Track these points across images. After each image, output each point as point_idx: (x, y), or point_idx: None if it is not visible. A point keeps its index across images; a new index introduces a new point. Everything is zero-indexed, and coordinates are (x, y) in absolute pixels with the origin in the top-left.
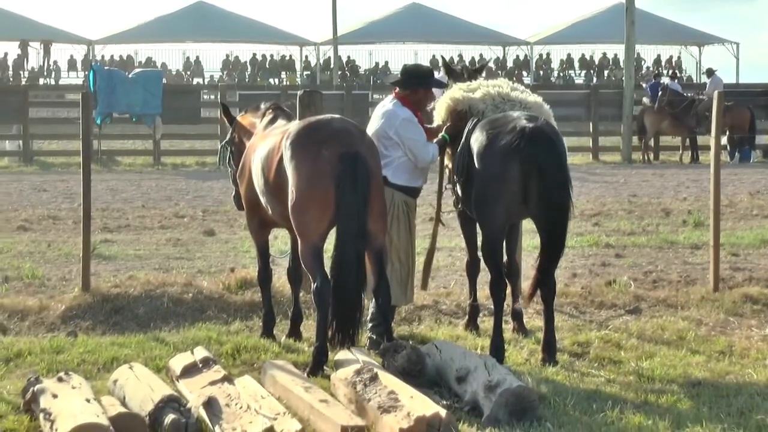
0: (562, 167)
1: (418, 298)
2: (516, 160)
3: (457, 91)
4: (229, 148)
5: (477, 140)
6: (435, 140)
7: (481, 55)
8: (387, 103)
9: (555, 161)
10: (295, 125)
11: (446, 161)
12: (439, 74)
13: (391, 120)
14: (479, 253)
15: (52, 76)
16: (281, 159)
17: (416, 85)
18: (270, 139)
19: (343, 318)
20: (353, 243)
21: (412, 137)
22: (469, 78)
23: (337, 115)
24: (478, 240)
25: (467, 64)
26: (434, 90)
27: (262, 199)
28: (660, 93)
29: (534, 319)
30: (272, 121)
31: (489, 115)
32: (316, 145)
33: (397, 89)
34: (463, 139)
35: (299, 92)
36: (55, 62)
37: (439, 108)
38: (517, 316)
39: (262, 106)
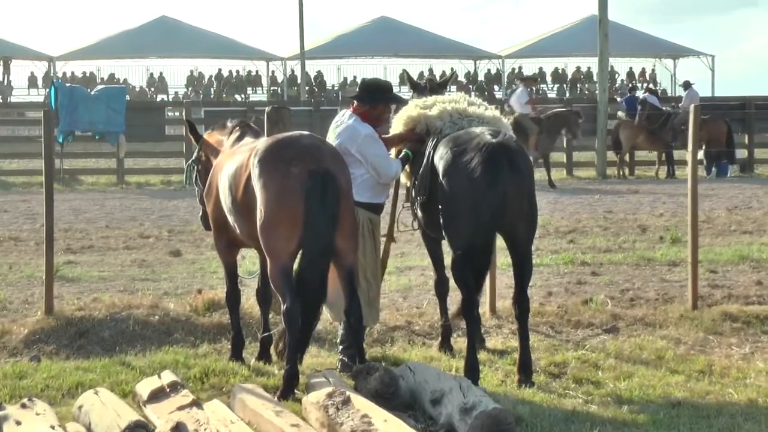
0: (527, 183)
1: (390, 319)
2: (482, 176)
3: (413, 108)
4: (195, 167)
5: (442, 158)
6: (399, 156)
7: (452, 69)
8: (345, 119)
9: (520, 177)
10: (263, 142)
11: (404, 180)
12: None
13: (353, 137)
14: (447, 272)
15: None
16: (249, 177)
17: (376, 100)
18: (237, 157)
19: (298, 335)
20: (318, 263)
21: (376, 153)
22: (432, 93)
23: (306, 132)
24: (445, 259)
25: (436, 77)
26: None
27: (230, 219)
28: (639, 107)
29: (510, 339)
30: (239, 139)
31: (448, 132)
32: (284, 163)
33: (356, 104)
34: (425, 159)
35: (267, 108)
36: (8, 80)
37: (396, 125)
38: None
39: (229, 123)
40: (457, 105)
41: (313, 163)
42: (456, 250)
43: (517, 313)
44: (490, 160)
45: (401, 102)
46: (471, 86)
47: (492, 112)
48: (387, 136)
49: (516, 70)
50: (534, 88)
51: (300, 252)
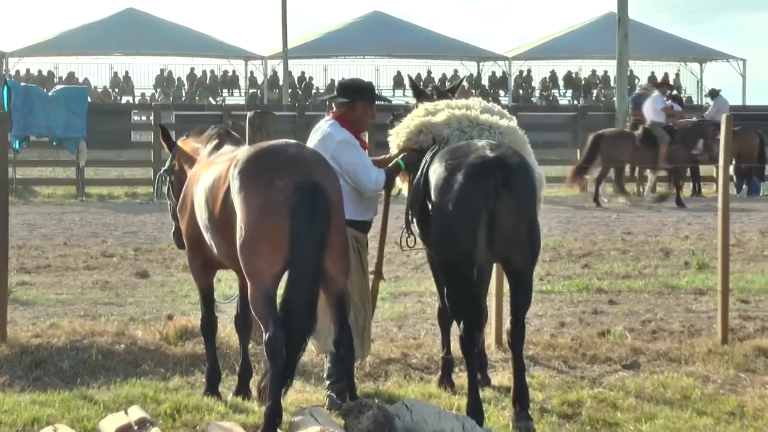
0: (525, 205)
1: (384, 351)
2: (470, 195)
3: (416, 116)
4: (168, 178)
5: (435, 172)
6: (388, 165)
7: (455, 72)
8: (322, 124)
9: (516, 197)
10: (244, 151)
11: (405, 192)
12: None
13: (326, 143)
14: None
15: None
16: (228, 190)
17: (353, 97)
18: (215, 168)
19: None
20: (306, 287)
21: (351, 161)
22: (440, 99)
23: (292, 141)
24: None
25: (437, 83)
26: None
27: (206, 236)
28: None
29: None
30: (218, 147)
31: (453, 143)
32: (268, 174)
33: (334, 108)
34: (420, 169)
35: (249, 113)
36: None
37: (394, 138)
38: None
39: (208, 131)
40: (468, 112)
41: (300, 175)
42: (445, 276)
43: (510, 341)
44: (480, 178)
45: (382, 100)
46: (474, 90)
47: (507, 121)
48: (378, 158)
49: (524, 73)
50: (669, 94)
51: (286, 275)
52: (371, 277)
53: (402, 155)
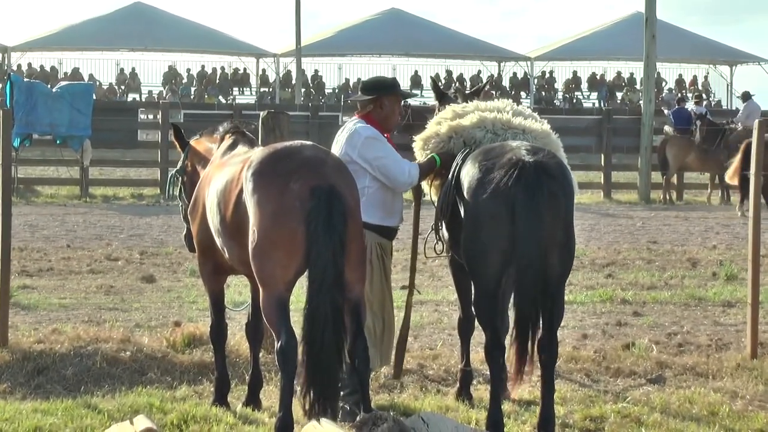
0: (564, 210)
1: None
2: (510, 199)
3: (445, 118)
4: (180, 178)
5: (468, 174)
6: (423, 160)
7: (479, 72)
8: (349, 124)
9: (556, 202)
10: (258, 153)
11: (433, 196)
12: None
13: (353, 141)
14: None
15: None
16: (241, 192)
17: (379, 91)
18: (228, 169)
19: (321, 384)
20: (329, 294)
21: (379, 155)
22: (465, 102)
23: (308, 142)
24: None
25: (458, 84)
26: None
27: (218, 240)
28: (698, 122)
29: (539, 388)
30: (232, 147)
31: (485, 145)
32: (282, 177)
33: (359, 107)
34: (451, 173)
35: (262, 113)
36: None
37: (425, 142)
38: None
39: (221, 128)
40: (500, 115)
41: (315, 178)
42: (477, 283)
43: (543, 358)
44: (521, 181)
45: (408, 96)
46: (494, 92)
47: (541, 125)
48: (418, 161)
49: (546, 74)
50: None
51: (301, 282)
52: (400, 290)
53: (436, 153)
